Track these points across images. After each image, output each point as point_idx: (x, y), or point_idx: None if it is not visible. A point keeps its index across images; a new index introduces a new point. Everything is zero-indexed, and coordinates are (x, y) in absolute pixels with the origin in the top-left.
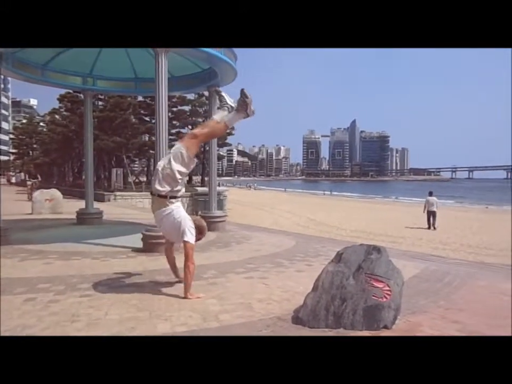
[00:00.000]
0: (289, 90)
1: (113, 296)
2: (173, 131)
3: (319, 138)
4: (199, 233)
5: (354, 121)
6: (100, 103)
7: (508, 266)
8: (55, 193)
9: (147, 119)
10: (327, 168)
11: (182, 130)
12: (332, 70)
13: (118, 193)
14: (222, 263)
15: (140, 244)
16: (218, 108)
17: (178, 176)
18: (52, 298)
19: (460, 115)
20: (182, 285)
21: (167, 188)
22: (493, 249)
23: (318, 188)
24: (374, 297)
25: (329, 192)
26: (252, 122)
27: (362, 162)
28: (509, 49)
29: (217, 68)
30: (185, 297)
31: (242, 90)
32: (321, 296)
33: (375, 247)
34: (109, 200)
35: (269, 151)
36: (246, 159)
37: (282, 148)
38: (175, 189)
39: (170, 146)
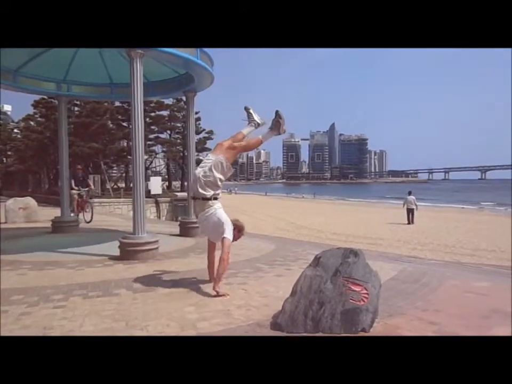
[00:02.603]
0: (268, 93)
1: (88, 306)
2: (152, 136)
3: (298, 141)
4: (238, 231)
5: (333, 125)
6: (76, 108)
7: (479, 265)
8: (30, 201)
9: (125, 124)
10: (307, 171)
11: (161, 135)
12: (311, 72)
13: (95, 200)
14: (201, 269)
15: (117, 252)
16: (248, 123)
17: (219, 183)
18: (24, 310)
19: (434, 118)
20: (157, 293)
21: (211, 192)
22: (468, 249)
23: (298, 191)
24: (351, 301)
25: (308, 196)
26: (232, 126)
27: (342, 165)
28: (483, 50)
29: (193, 72)
30: (214, 290)
31: (277, 112)
32: (300, 301)
33: (352, 250)
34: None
35: (249, 155)
36: None
37: (262, 151)
38: (217, 192)
39: (149, 151)
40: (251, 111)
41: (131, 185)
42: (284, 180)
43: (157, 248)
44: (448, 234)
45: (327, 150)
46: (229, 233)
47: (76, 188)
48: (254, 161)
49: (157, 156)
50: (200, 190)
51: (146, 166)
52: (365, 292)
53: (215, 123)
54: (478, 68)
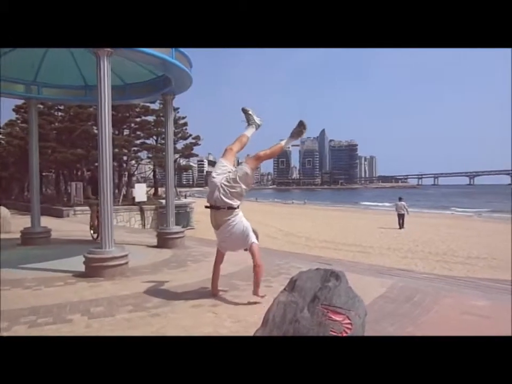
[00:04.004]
0: (259, 99)
1: (35, 335)
2: (137, 142)
3: (289, 147)
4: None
5: (323, 131)
6: (60, 113)
7: (474, 279)
8: (3, 211)
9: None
10: (298, 177)
11: (147, 141)
12: (301, 79)
13: (77, 208)
14: (171, 288)
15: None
16: (248, 125)
17: (244, 193)
18: None
19: (425, 123)
20: (116, 319)
21: (238, 202)
22: (460, 257)
23: (289, 197)
24: (332, 332)
25: (298, 202)
26: (222, 132)
27: (332, 170)
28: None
29: (171, 74)
30: (255, 295)
31: (301, 122)
32: (272, 333)
33: (332, 273)
34: (68, 216)
35: (239, 160)
36: None
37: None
38: (241, 200)
39: (134, 158)
40: (250, 112)
41: (116, 191)
42: (275, 186)
43: (126, 263)
44: (439, 242)
45: (317, 156)
46: (255, 238)
47: (94, 197)
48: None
49: (142, 162)
50: (225, 199)
51: (132, 172)
52: (348, 321)
53: (202, 126)
54: (471, 69)
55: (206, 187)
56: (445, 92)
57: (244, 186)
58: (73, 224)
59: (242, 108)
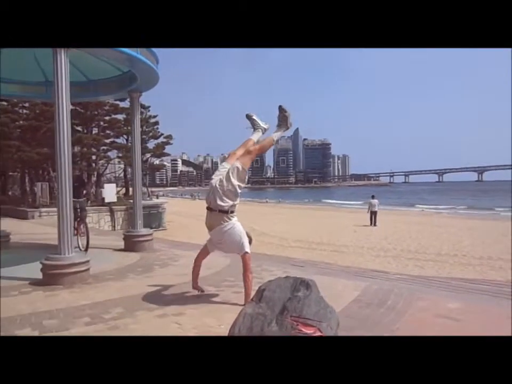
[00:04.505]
0: (233, 98)
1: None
2: (107, 141)
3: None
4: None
5: (297, 129)
6: (25, 111)
7: (446, 279)
8: None
9: (79, 128)
10: (272, 176)
11: (117, 140)
12: (273, 78)
13: (43, 209)
14: (135, 296)
15: None
16: (254, 130)
17: (239, 190)
18: None
19: (395, 122)
20: (70, 333)
21: (230, 203)
22: (431, 254)
23: (263, 196)
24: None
25: (272, 200)
26: (197, 131)
27: (306, 169)
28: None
29: (137, 71)
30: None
31: (281, 107)
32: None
33: (303, 281)
34: (33, 218)
35: (214, 160)
36: (191, 169)
37: (227, 156)
38: (235, 202)
39: (104, 157)
40: (254, 117)
41: (84, 192)
42: (249, 185)
43: (87, 269)
44: (410, 239)
45: (291, 155)
46: (248, 248)
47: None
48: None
49: (113, 161)
50: (219, 202)
51: (101, 172)
52: (319, 334)
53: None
54: (442, 69)
55: (180, 187)
56: (413, 92)
57: (237, 182)
58: (37, 227)
59: (246, 114)
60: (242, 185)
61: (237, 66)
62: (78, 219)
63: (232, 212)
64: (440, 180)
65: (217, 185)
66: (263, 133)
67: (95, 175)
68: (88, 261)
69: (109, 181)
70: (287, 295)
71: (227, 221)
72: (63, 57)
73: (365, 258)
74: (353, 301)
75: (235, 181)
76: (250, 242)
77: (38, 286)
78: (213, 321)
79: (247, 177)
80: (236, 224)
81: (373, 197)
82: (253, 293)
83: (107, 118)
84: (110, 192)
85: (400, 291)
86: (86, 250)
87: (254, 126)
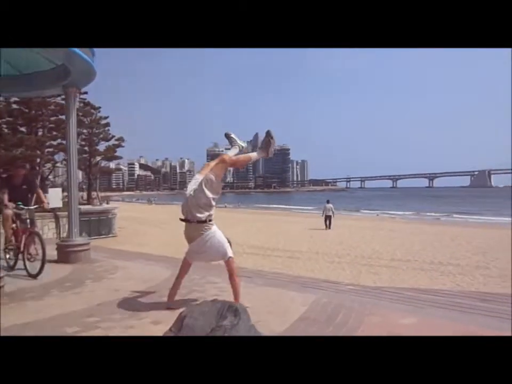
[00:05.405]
0: (191, 101)
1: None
2: (54, 143)
3: (222, 151)
4: None
5: (256, 135)
6: None
7: (399, 290)
8: None
9: (23, 129)
10: (232, 181)
11: (64, 142)
12: (232, 82)
13: None
14: (52, 318)
15: None
16: (231, 147)
17: (213, 202)
18: None
19: (352, 127)
20: None
21: (206, 214)
22: (384, 259)
23: (222, 201)
24: None
25: (230, 205)
26: (155, 134)
27: (265, 174)
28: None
29: (71, 64)
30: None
31: (268, 132)
32: None
33: (231, 307)
34: None
35: (172, 164)
36: (148, 173)
37: (186, 160)
38: (211, 212)
39: (49, 160)
40: (232, 135)
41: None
42: None
43: (1, 286)
44: (364, 244)
45: None
46: (231, 252)
47: (11, 205)
48: (178, 171)
49: (61, 164)
50: (195, 213)
51: (45, 176)
52: None
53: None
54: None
55: (137, 191)
56: (369, 97)
57: (210, 195)
58: None
59: (225, 133)
60: (216, 196)
61: (190, 70)
62: (27, 233)
63: (210, 221)
64: (395, 185)
65: (191, 198)
66: (240, 150)
67: (39, 179)
68: (2, 277)
69: (54, 185)
70: (211, 323)
71: (207, 230)
72: None
73: (320, 264)
74: (299, 318)
75: (209, 193)
76: (230, 245)
77: None
78: None
79: (220, 189)
80: (216, 232)
81: (327, 202)
82: (163, 307)
83: (53, 118)
84: (55, 197)
85: (351, 305)
86: (37, 275)
87: (232, 143)
